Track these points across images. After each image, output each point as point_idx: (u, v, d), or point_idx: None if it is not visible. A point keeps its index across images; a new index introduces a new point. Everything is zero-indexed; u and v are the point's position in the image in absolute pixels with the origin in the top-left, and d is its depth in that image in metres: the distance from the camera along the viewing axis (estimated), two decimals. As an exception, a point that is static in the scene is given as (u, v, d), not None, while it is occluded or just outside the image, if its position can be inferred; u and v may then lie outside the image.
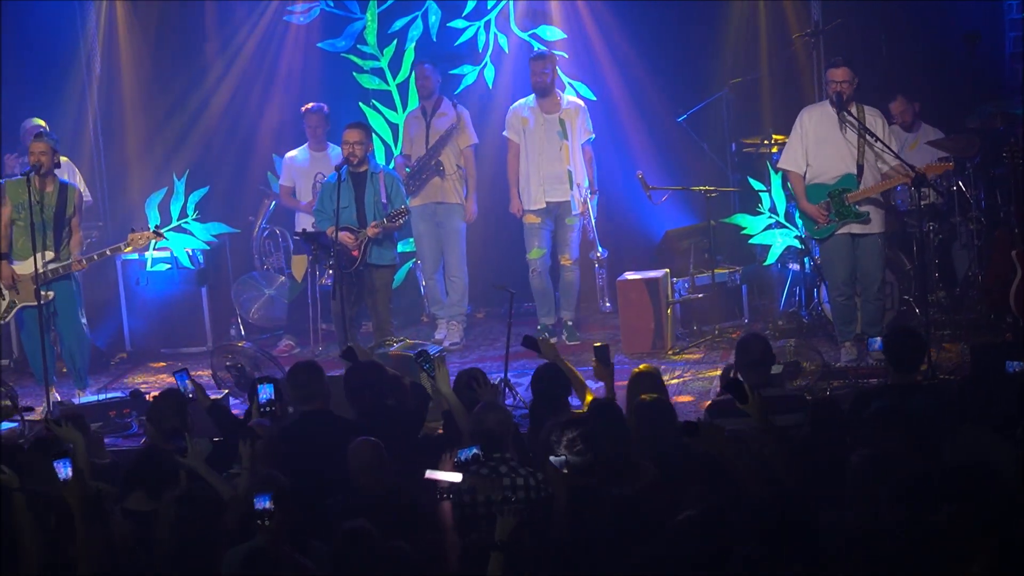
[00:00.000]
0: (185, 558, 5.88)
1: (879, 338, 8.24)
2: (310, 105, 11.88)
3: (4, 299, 10.26)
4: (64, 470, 5.79)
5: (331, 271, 10.72)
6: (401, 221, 10.61)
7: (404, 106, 12.57)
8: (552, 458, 6.15)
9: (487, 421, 6.61)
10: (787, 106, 11.46)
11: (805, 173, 9.96)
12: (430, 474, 6.22)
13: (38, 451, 6.71)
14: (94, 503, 5.86)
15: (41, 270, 9.99)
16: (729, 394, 6.33)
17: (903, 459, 5.84)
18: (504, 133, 11.49)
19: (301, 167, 11.86)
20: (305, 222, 11.38)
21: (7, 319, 10.37)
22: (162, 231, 10.43)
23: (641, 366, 7.93)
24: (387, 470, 6.51)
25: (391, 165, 11.77)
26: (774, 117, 11.77)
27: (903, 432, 6.07)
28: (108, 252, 10.35)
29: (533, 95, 11.34)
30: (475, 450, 6.32)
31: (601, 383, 7.88)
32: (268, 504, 5.67)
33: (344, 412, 7.75)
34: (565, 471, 6.06)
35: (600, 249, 11.45)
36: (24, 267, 10.08)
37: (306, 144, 11.92)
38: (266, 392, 7.48)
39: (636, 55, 12.31)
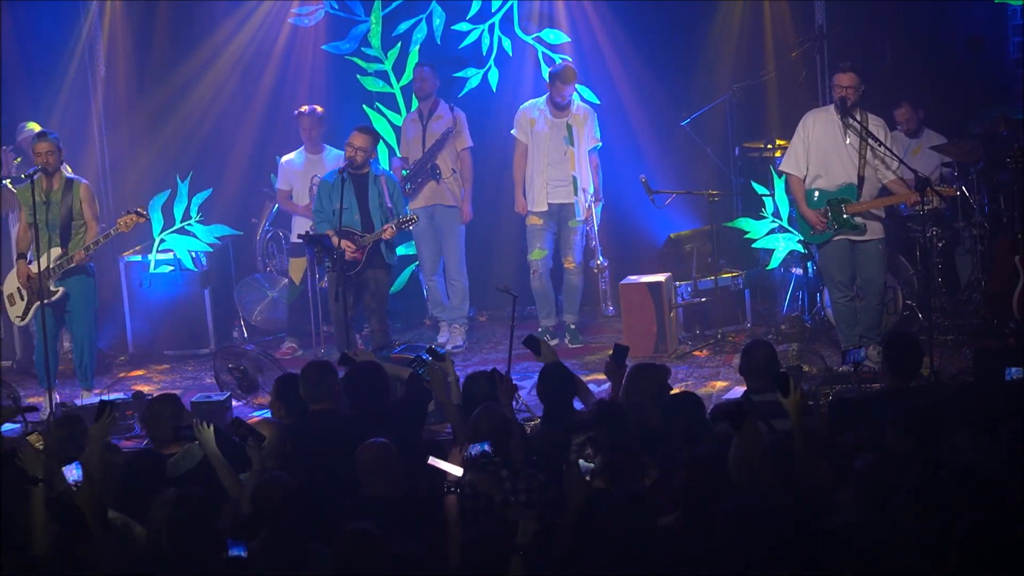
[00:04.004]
0: (179, 560, 5.85)
1: (861, 349, 8.27)
2: (304, 108, 11.81)
3: (23, 300, 10.28)
4: (75, 473, 5.77)
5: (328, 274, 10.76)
6: (410, 227, 10.62)
7: (408, 109, 12.56)
8: (582, 463, 6.15)
9: (481, 424, 6.63)
10: (791, 110, 11.44)
11: (805, 177, 9.95)
12: (432, 461, 6.24)
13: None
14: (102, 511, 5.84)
15: (52, 266, 10.02)
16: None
17: (909, 462, 5.86)
18: (512, 132, 11.47)
19: (297, 170, 11.79)
20: (303, 225, 11.31)
21: (27, 320, 10.39)
22: (144, 211, 10.39)
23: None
24: (396, 471, 6.51)
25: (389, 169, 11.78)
26: (778, 121, 11.77)
27: (909, 435, 6.07)
28: (102, 239, 10.27)
29: (544, 96, 11.33)
30: (486, 446, 6.31)
31: (607, 385, 7.90)
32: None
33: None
34: (588, 477, 6.06)
35: (601, 259, 11.44)
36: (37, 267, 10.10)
37: (302, 147, 11.86)
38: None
39: (639, 59, 12.30)
